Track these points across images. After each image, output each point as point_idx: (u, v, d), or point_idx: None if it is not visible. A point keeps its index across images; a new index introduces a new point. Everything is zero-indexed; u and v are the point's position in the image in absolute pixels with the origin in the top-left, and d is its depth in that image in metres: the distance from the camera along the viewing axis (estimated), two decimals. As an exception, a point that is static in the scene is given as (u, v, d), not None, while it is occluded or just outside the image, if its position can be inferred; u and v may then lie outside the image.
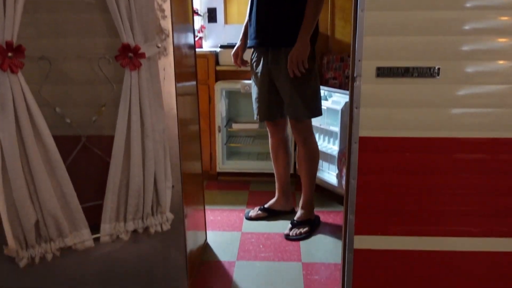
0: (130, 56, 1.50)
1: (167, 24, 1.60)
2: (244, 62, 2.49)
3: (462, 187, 1.66)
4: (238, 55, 2.47)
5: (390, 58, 1.57)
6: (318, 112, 2.40)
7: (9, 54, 1.37)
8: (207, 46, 3.76)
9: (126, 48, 1.50)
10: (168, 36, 1.60)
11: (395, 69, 1.57)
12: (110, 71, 1.58)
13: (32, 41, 1.53)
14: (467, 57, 1.56)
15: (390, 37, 1.56)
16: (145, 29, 1.52)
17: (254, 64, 2.40)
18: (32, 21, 1.54)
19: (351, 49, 1.60)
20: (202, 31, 3.71)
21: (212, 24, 3.77)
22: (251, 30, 2.33)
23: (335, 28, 3.55)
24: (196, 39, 3.46)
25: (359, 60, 1.57)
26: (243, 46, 2.48)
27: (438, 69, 1.56)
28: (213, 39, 3.78)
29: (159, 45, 1.58)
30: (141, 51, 1.51)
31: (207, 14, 3.75)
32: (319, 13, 2.17)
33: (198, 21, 3.69)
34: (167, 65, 1.62)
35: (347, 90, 2.40)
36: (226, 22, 3.76)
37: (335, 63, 3.50)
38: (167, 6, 1.58)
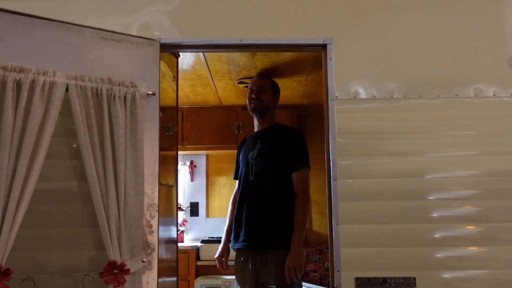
0: (115, 273, 1.53)
1: (153, 238, 1.67)
2: (229, 267, 2.49)
3: None
4: (224, 259, 2.48)
5: (367, 268, 1.64)
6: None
7: (-6, 277, 1.38)
8: (188, 239, 3.82)
9: (112, 265, 1.53)
10: (153, 250, 1.66)
11: (373, 279, 1.63)
12: (93, 287, 1.58)
13: (18, 261, 1.54)
14: (442, 266, 1.64)
15: (366, 248, 1.65)
16: (132, 245, 1.58)
17: (241, 265, 2.40)
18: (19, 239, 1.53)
19: (329, 260, 1.67)
20: (184, 225, 3.82)
21: (193, 218, 3.90)
22: (240, 233, 2.38)
23: (312, 221, 3.71)
24: (178, 232, 3.53)
25: (338, 271, 1.63)
26: (227, 249, 2.50)
27: (414, 278, 1.62)
28: (194, 232, 3.86)
29: (144, 260, 1.62)
30: (127, 267, 1.54)
31: (189, 209, 3.91)
32: (307, 217, 2.30)
33: (180, 216, 3.82)
34: (150, 279, 1.64)
35: (327, 286, 2.40)
36: (207, 215, 3.90)
37: (314, 255, 3.56)
38: (154, 222, 1.68)
